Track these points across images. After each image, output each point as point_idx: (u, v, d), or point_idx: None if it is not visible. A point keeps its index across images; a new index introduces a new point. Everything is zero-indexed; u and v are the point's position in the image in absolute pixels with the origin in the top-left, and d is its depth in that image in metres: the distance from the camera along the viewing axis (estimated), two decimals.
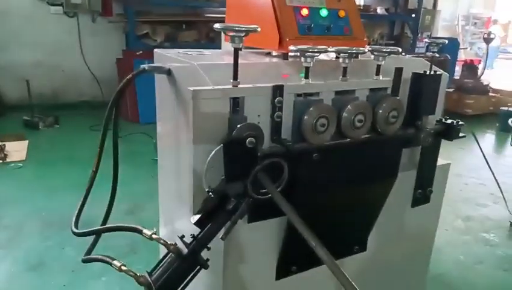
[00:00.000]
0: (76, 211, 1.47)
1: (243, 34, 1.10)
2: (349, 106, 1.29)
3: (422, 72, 1.47)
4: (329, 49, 1.26)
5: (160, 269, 1.13)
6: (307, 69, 1.26)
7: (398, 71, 1.43)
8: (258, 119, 1.21)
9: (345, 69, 1.33)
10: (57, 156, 4.37)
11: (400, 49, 1.41)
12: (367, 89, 1.40)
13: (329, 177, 1.31)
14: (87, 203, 1.48)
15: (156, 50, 1.76)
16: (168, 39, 6.23)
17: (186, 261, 1.12)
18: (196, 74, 1.26)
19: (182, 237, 1.16)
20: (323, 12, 1.60)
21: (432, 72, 1.47)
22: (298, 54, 1.22)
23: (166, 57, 1.61)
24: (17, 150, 4.23)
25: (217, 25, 1.10)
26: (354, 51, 1.29)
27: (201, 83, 1.21)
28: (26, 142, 4.52)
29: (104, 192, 1.55)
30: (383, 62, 1.40)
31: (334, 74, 1.38)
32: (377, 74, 1.41)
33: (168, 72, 1.49)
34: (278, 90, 1.21)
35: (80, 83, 6.34)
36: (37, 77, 5.87)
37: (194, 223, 1.16)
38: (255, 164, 1.13)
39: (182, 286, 1.13)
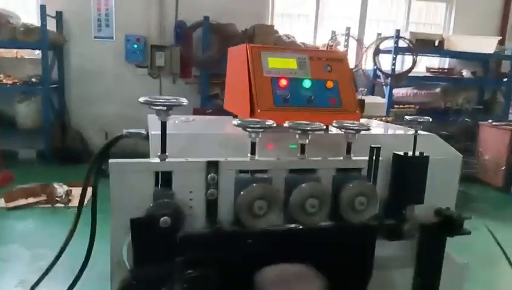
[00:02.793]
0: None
1: (164, 108, 1.06)
2: (297, 189, 1.14)
3: (402, 153, 1.26)
4: (273, 125, 1.15)
5: None
6: (253, 144, 1.16)
7: (373, 151, 1.24)
8: (190, 195, 1.13)
9: (302, 146, 1.20)
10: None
11: (370, 126, 1.24)
12: (333, 169, 1.24)
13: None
14: None
15: (149, 116, 1.81)
16: None
17: None
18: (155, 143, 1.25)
19: None
20: (306, 84, 1.51)
21: (416, 154, 1.26)
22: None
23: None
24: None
25: (140, 99, 1.08)
26: (307, 128, 1.16)
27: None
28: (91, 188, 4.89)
29: None
30: (352, 140, 1.23)
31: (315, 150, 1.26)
32: (347, 152, 1.25)
33: (146, 138, 1.50)
34: (212, 166, 1.12)
35: None
36: (118, 128, 6.48)
37: None
38: (172, 249, 1.03)
39: None
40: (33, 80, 6.13)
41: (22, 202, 4.27)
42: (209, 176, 1.11)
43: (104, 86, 6.69)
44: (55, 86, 6.41)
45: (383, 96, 6.67)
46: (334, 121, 1.25)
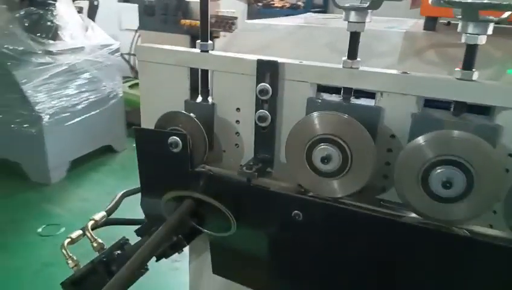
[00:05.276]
0: None
1: None
2: (420, 137, 0.52)
3: None
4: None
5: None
6: (353, 35, 0.59)
7: None
8: (236, 115, 0.70)
9: (470, 48, 0.53)
10: None
11: None
12: None
13: (325, 266, 0.61)
14: None
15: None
16: None
17: (98, 273, 0.84)
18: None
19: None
20: None
21: None
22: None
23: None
24: None
25: None
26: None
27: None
28: None
29: None
30: None
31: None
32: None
33: None
34: (266, 69, 0.63)
35: None
36: None
37: (135, 231, 0.86)
38: (183, 182, 0.67)
39: None
40: (299, 3, 6.32)
41: None
42: (259, 86, 0.64)
43: None
44: (318, 9, 6.43)
45: None
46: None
